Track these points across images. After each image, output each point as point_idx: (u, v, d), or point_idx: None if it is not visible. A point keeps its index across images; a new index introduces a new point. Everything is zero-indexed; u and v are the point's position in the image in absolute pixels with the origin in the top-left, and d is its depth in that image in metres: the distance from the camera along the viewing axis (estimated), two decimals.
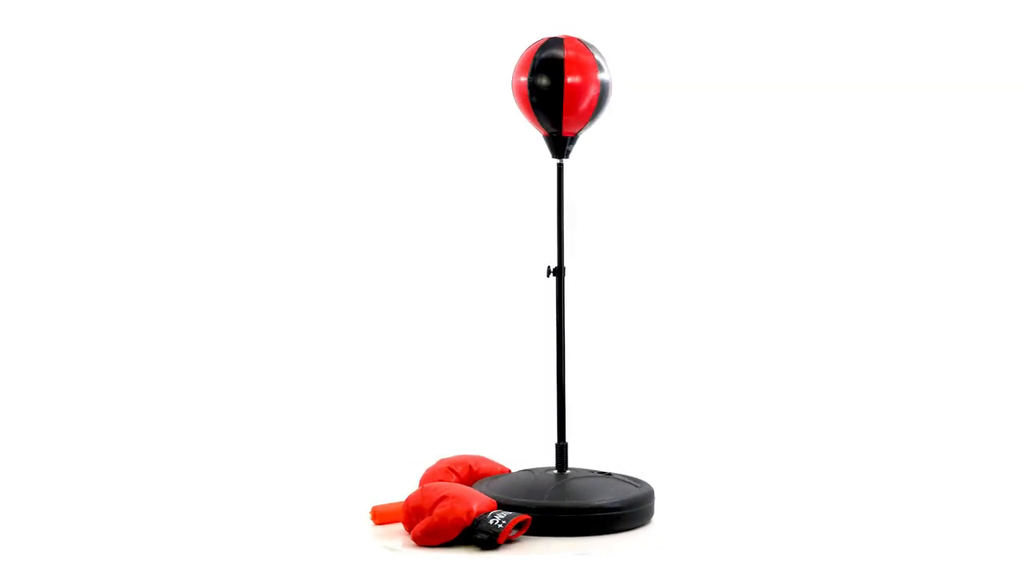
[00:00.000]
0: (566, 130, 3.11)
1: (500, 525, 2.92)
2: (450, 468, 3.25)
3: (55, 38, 4.28)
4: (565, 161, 3.16)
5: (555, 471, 3.19)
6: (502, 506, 3.01)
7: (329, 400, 4.08)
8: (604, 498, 3.06)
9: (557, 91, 3.06)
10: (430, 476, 3.24)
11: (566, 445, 3.20)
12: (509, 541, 2.96)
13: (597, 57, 3.11)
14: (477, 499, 2.98)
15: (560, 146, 3.14)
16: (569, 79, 3.05)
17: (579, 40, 3.12)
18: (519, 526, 2.98)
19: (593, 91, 3.08)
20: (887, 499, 3.40)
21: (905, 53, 4.37)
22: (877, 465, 3.70)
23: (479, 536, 2.93)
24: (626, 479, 3.20)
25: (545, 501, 3.03)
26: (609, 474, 3.20)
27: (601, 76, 3.10)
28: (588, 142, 3.30)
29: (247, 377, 4.15)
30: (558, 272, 3.16)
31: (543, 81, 3.07)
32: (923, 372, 4.25)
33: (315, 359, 4.20)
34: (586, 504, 3.03)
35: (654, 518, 3.15)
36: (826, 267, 4.45)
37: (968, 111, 4.35)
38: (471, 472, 3.26)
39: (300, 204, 4.39)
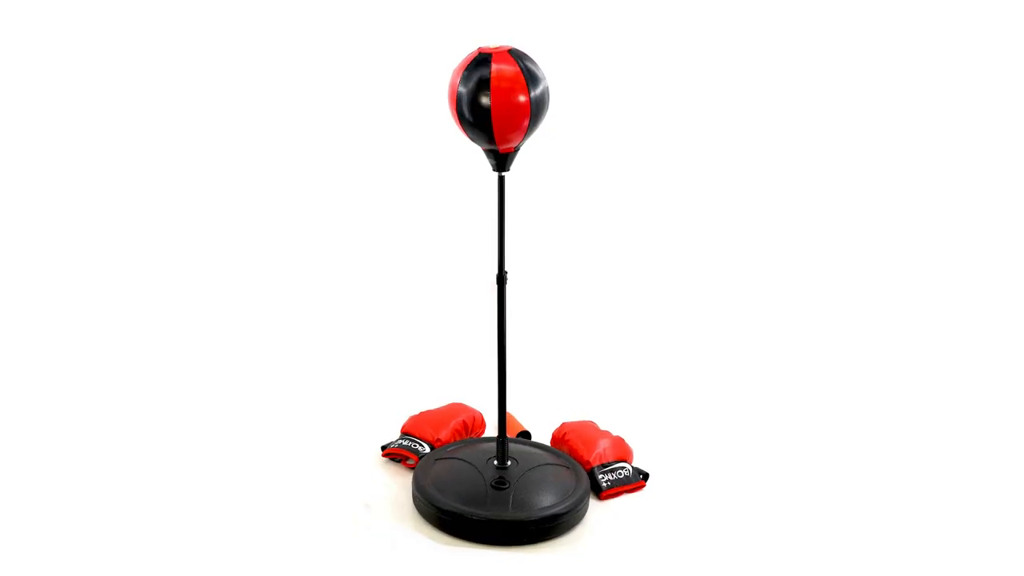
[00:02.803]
0: (480, 144, 3.07)
1: (390, 444, 3.56)
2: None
3: (50, 38, 4.40)
4: (507, 174, 3.12)
5: (495, 462, 3.34)
6: (445, 511, 3.19)
7: (265, 407, 3.91)
8: (550, 501, 3.19)
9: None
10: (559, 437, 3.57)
11: (506, 440, 3.33)
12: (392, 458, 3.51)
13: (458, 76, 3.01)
14: (432, 427, 3.60)
15: (489, 159, 3.14)
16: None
17: (473, 52, 3.02)
18: (401, 458, 3.50)
19: (452, 106, 3.02)
20: (857, 497, 3.34)
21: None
22: (835, 463, 3.55)
23: None
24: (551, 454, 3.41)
25: (490, 513, 3.16)
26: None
27: (464, 90, 2.97)
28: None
29: (191, 382, 4.05)
30: (499, 280, 3.24)
31: None
32: (882, 360, 4.14)
33: (259, 369, 4.10)
34: (532, 517, 3.15)
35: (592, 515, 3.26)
36: (781, 261, 4.45)
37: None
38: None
39: (253, 214, 4.49)
